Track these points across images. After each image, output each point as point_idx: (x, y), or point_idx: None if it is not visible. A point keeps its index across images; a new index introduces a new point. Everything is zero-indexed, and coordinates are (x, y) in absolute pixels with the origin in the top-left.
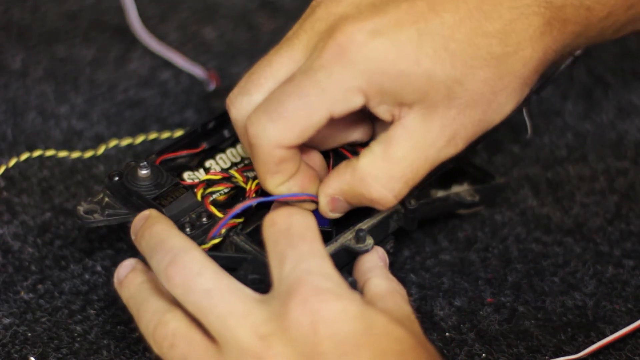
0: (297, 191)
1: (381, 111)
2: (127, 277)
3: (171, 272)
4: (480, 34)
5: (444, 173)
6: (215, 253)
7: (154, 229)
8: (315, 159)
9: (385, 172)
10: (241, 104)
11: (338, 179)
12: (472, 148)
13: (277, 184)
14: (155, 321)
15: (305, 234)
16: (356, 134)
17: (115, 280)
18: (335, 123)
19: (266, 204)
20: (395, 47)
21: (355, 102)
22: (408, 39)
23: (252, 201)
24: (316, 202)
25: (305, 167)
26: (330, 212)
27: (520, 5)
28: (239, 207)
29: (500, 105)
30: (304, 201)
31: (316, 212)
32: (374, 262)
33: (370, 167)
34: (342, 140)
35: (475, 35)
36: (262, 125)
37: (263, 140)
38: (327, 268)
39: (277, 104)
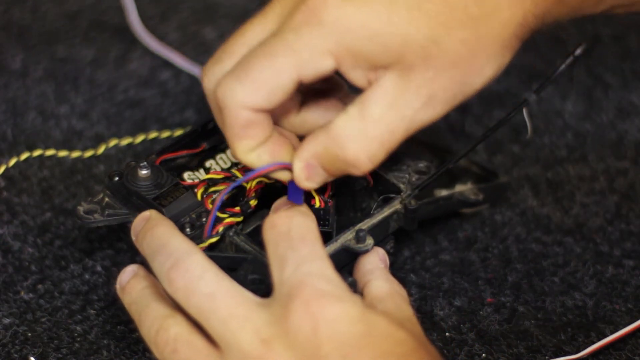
0: (267, 159)
1: (356, 76)
2: (129, 282)
3: (173, 276)
4: None
5: (447, 172)
6: (215, 253)
7: (156, 232)
8: (292, 139)
9: (360, 131)
10: (213, 73)
11: (313, 142)
12: (473, 148)
13: (246, 150)
14: (157, 326)
15: (305, 236)
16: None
17: (118, 286)
18: (310, 104)
19: (266, 201)
20: (368, 8)
21: (325, 65)
22: (380, 0)
23: (232, 185)
24: (291, 171)
25: (277, 135)
26: (306, 181)
27: None
28: (222, 194)
29: (481, 67)
30: (278, 170)
31: (296, 192)
32: (374, 264)
33: (344, 127)
34: (318, 122)
35: None
36: (229, 86)
37: (230, 101)
38: (328, 270)
39: (245, 65)
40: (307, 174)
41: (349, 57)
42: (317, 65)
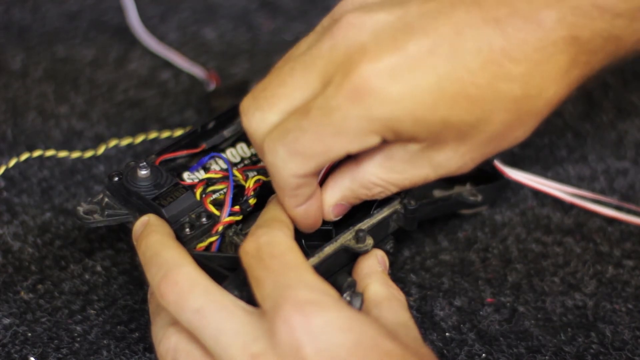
0: (313, 214)
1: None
2: (150, 294)
3: (163, 289)
4: (503, 78)
5: None
6: (215, 253)
7: (150, 240)
8: None
9: (384, 179)
10: (254, 119)
11: (340, 188)
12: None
13: (295, 206)
14: (160, 335)
15: (274, 251)
16: None
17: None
18: None
19: (266, 200)
20: (412, 94)
21: (370, 142)
22: (427, 85)
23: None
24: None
25: (318, 189)
26: (335, 217)
27: (547, 45)
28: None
29: (516, 138)
30: None
31: None
32: (372, 267)
33: (370, 175)
34: None
35: (498, 80)
36: (280, 157)
37: (282, 171)
38: (306, 277)
39: (294, 140)
40: (336, 213)
41: (392, 135)
42: (364, 143)
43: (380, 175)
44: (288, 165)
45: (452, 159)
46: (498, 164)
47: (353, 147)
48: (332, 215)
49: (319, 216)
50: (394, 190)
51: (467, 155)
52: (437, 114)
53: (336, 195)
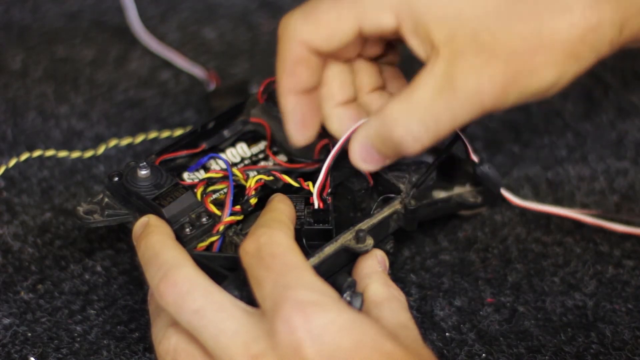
0: (301, 113)
1: (415, 45)
2: (150, 294)
3: (162, 290)
4: None
5: (445, 174)
6: (215, 253)
7: (149, 241)
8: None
9: (406, 114)
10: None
11: (367, 125)
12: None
13: (289, 89)
14: (160, 336)
15: (274, 251)
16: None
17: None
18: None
19: (266, 200)
20: None
21: (386, 21)
22: None
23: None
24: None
25: (314, 102)
26: (362, 162)
27: None
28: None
29: (537, 68)
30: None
31: None
32: (372, 268)
33: (392, 110)
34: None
35: None
36: (292, 21)
37: (289, 34)
38: (307, 277)
39: (312, 6)
40: (361, 154)
41: (409, 21)
42: (379, 19)
43: (401, 109)
44: (297, 27)
45: (470, 78)
46: (505, 192)
47: (367, 21)
48: (357, 156)
49: (310, 126)
50: (413, 132)
51: (483, 72)
52: (453, 4)
53: (362, 133)
